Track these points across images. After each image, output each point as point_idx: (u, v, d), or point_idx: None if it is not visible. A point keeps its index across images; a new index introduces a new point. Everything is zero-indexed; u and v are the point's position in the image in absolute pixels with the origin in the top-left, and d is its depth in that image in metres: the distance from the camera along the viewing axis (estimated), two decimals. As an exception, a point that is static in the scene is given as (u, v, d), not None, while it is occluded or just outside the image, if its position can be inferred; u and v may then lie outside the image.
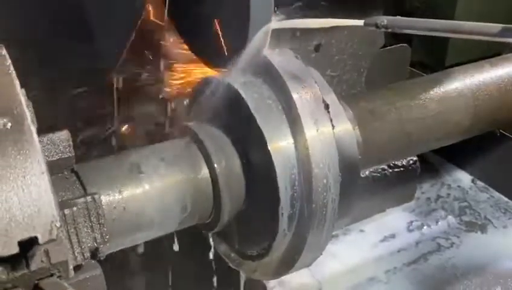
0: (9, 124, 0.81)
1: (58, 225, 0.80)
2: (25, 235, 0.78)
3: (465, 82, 1.64)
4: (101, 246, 1.00)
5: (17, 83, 0.84)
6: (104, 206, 1.05)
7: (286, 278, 1.50)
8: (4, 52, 0.86)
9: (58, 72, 1.61)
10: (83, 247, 0.93)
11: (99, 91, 1.73)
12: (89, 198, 1.00)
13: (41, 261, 0.82)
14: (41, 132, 0.98)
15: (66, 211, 0.91)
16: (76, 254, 0.92)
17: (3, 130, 0.80)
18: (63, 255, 0.83)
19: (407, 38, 2.17)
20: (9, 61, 0.85)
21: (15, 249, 0.78)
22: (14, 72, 0.85)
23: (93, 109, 1.74)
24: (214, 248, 1.54)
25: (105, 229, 1.01)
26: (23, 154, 0.80)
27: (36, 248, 0.80)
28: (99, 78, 1.71)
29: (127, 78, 1.73)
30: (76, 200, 0.99)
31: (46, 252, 0.81)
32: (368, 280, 2.00)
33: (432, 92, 1.58)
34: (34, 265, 0.81)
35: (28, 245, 0.79)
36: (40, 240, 0.79)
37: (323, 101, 1.24)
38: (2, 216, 0.77)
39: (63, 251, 0.83)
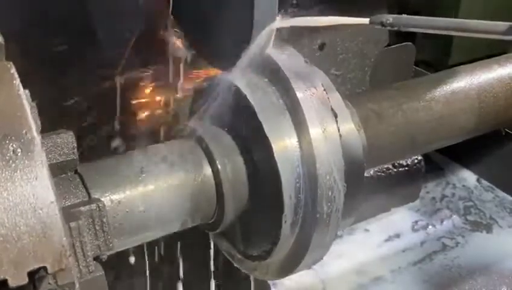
0: (19, 150, 0.79)
1: (67, 254, 0.79)
2: (35, 266, 0.77)
3: (471, 83, 1.64)
4: (105, 253, 0.99)
5: (26, 104, 0.82)
6: (107, 209, 1.04)
7: (290, 277, 1.49)
8: (13, 70, 0.84)
9: (58, 72, 1.61)
10: (88, 260, 0.92)
11: (101, 92, 1.73)
12: (93, 206, 0.98)
13: (49, 283, 0.82)
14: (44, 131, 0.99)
15: (72, 225, 0.90)
16: (81, 268, 0.91)
17: (13, 156, 0.78)
18: (70, 278, 0.83)
19: (411, 37, 2.16)
20: (18, 81, 0.83)
21: (25, 280, 0.77)
22: (23, 92, 0.83)
23: (93, 109, 1.73)
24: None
25: (109, 236, 1.00)
26: (32, 181, 0.78)
27: (44, 274, 0.79)
28: (101, 79, 1.70)
29: (130, 78, 1.72)
30: (81, 209, 0.97)
31: (54, 276, 0.81)
32: (373, 279, 1.99)
33: (437, 94, 1.57)
34: (41, 288, 0.81)
35: (36, 271, 0.79)
36: (49, 270, 0.78)
37: (329, 101, 1.23)
38: (12, 246, 0.76)
39: (70, 275, 0.82)
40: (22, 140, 0.79)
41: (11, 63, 0.84)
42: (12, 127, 0.80)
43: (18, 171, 0.78)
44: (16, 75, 0.83)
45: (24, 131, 0.80)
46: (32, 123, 0.81)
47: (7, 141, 0.79)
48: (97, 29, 1.59)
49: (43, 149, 0.81)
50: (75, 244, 0.89)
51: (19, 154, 0.79)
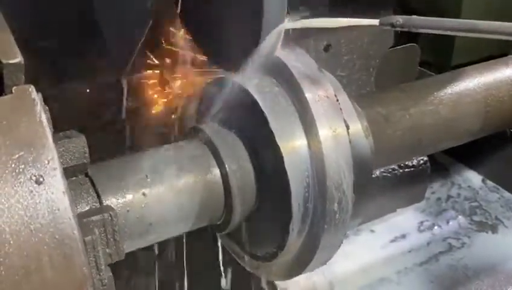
0: (41, 179, 0.79)
1: (88, 283, 0.80)
2: None
3: (478, 86, 1.65)
4: (116, 260, 0.99)
5: (48, 131, 0.81)
6: (117, 212, 1.04)
7: (297, 278, 1.49)
8: (34, 95, 0.83)
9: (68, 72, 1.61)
10: (101, 274, 0.91)
11: (109, 91, 1.73)
12: (105, 215, 0.98)
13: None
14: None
15: (87, 239, 0.89)
16: (95, 282, 0.90)
17: (36, 186, 0.78)
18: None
19: (415, 38, 2.16)
20: (39, 106, 0.82)
21: None
22: (44, 118, 0.82)
23: (102, 109, 1.73)
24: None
25: (120, 245, 0.99)
26: (56, 211, 0.79)
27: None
28: (110, 79, 1.70)
29: (138, 78, 1.73)
30: (93, 219, 0.97)
31: None
32: (379, 280, 1.98)
33: (444, 97, 1.58)
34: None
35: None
36: None
37: (337, 101, 1.23)
38: (35, 277, 0.77)
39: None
40: (45, 169, 0.79)
41: (31, 86, 0.83)
42: (35, 157, 0.79)
43: (40, 202, 0.78)
44: (37, 100, 0.82)
45: (46, 161, 0.80)
46: (55, 151, 0.81)
47: (29, 170, 0.79)
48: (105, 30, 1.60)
49: (64, 178, 0.81)
50: (89, 258, 0.89)
51: (41, 184, 0.78)
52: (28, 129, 0.80)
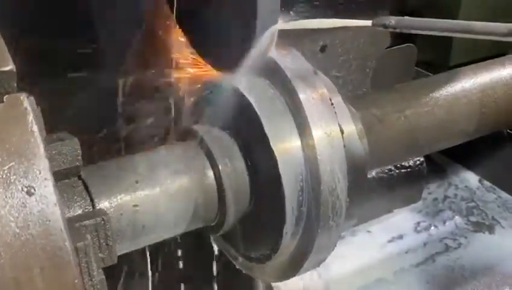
0: (33, 191, 0.78)
1: None
2: None
3: (473, 87, 1.65)
4: (108, 264, 0.99)
5: (40, 141, 0.80)
6: (110, 215, 1.04)
7: (292, 279, 1.48)
8: (26, 103, 0.81)
9: (61, 74, 1.61)
10: (93, 280, 0.91)
11: (103, 92, 1.72)
12: (98, 219, 0.98)
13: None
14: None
15: (79, 245, 0.88)
16: (87, 288, 0.90)
17: (27, 197, 0.78)
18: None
19: (412, 38, 2.16)
20: (31, 116, 0.81)
21: None
22: (36, 128, 0.81)
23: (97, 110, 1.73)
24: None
25: (113, 249, 0.99)
26: (46, 221, 0.78)
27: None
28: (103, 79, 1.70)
29: (132, 79, 1.72)
30: (85, 223, 0.97)
31: None
32: (376, 281, 1.99)
33: (440, 99, 1.58)
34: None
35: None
36: None
37: (332, 103, 1.23)
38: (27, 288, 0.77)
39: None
40: (36, 180, 0.79)
41: (23, 94, 0.82)
42: (27, 167, 0.79)
43: (32, 213, 0.78)
44: (29, 109, 0.81)
45: (39, 171, 0.79)
46: (46, 162, 0.80)
47: (21, 181, 0.78)
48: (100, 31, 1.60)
49: (56, 188, 0.80)
50: (81, 264, 0.88)
51: (33, 195, 0.78)
52: (20, 139, 0.79)
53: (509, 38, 1.09)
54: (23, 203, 0.77)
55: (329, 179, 1.17)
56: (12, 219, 0.76)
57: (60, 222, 0.78)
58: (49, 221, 0.78)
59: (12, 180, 0.77)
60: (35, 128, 0.80)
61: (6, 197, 0.77)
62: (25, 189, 0.77)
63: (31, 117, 0.81)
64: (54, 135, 1.05)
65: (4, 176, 0.77)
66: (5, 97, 0.81)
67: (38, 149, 0.79)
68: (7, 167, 0.77)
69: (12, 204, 0.77)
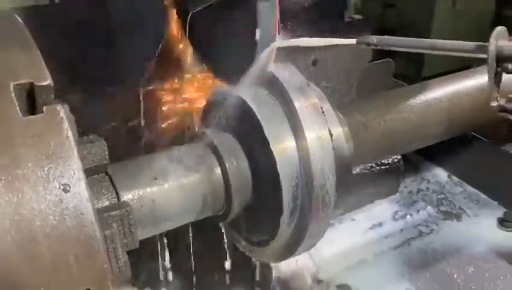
0: (68, 187, 0.79)
1: (109, 277, 0.80)
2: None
3: (442, 97, 1.67)
4: (131, 248, 0.99)
5: (74, 146, 0.80)
6: (133, 206, 1.04)
7: (288, 260, 1.49)
8: (62, 113, 0.82)
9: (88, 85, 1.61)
10: (119, 262, 0.91)
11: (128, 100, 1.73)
12: (123, 211, 0.98)
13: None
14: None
15: (107, 233, 0.89)
16: (114, 269, 0.90)
17: (64, 194, 0.78)
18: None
19: (391, 54, 2.16)
20: (66, 124, 0.81)
21: None
22: (71, 135, 0.81)
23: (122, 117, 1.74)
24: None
25: (135, 235, 1.00)
26: (80, 215, 0.78)
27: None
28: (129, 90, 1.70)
29: (152, 90, 1.73)
30: (112, 213, 0.97)
31: None
32: (359, 261, 1.99)
33: (414, 106, 1.60)
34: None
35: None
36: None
37: (322, 110, 1.23)
38: (62, 273, 0.78)
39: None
40: (71, 179, 0.79)
41: (60, 105, 0.83)
42: (63, 168, 0.79)
43: (67, 208, 0.78)
44: (65, 118, 0.82)
45: (72, 171, 0.79)
46: (79, 163, 0.80)
47: (58, 180, 0.79)
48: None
49: (88, 186, 0.81)
50: (108, 249, 0.88)
51: (68, 192, 0.78)
52: (57, 143, 0.79)
53: (473, 54, 1.09)
54: (60, 199, 0.77)
55: (320, 176, 1.18)
56: (51, 212, 0.76)
57: (92, 215, 0.79)
58: (83, 214, 0.78)
59: (51, 180, 0.78)
60: (70, 134, 0.81)
61: (45, 193, 0.77)
62: (62, 187, 0.78)
63: (66, 125, 0.81)
64: (85, 137, 1.06)
65: (44, 176, 0.77)
66: (44, 108, 0.81)
67: (72, 152, 0.80)
68: (46, 167, 0.78)
69: (50, 200, 0.77)
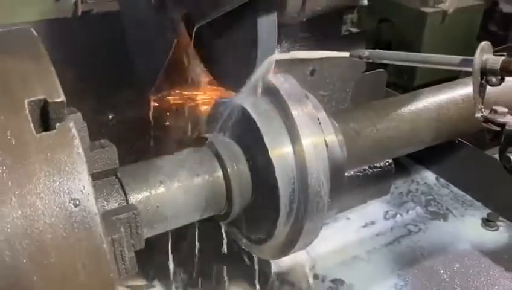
0: (78, 202, 0.77)
1: (115, 282, 0.79)
2: None
3: (431, 106, 1.64)
4: (137, 249, 0.98)
5: (84, 162, 0.79)
6: (140, 207, 1.03)
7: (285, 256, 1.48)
8: (74, 131, 0.80)
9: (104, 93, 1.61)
10: (126, 263, 0.90)
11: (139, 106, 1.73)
12: (130, 213, 0.97)
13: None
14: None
15: (115, 237, 0.88)
16: (120, 270, 0.89)
17: (73, 208, 0.77)
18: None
19: (384, 65, 2.14)
20: (78, 140, 0.79)
21: None
22: (82, 151, 0.80)
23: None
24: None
25: (141, 236, 0.98)
26: (88, 228, 0.77)
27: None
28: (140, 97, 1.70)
29: (162, 97, 1.72)
30: (120, 217, 0.96)
31: None
32: (352, 258, 1.97)
33: (405, 115, 1.58)
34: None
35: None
36: None
37: (317, 118, 1.21)
38: (72, 283, 0.77)
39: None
40: (81, 194, 0.78)
41: (72, 123, 0.81)
42: (73, 184, 0.78)
43: (77, 221, 0.77)
44: (76, 135, 0.80)
45: (82, 187, 0.78)
46: (89, 178, 0.79)
47: (68, 195, 0.77)
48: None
49: (96, 200, 0.80)
50: (115, 252, 0.87)
51: (77, 206, 0.77)
52: (68, 160, 0.78)
53: (459, 68, 1.08)
54: (70, 213, 0.77)
55: (315, 183, 1.17)
56: (61, 225, 0.76)
57: (100, 228, 0.78)
58: (91, 227, 0.77)
59: (62, 195, 0.77)
60: (80, 150, 0.79)
61: (56, 207, 0.76)
62: (72, 201, 0.77)
63: (77, 141, 0.79)
64: (96, 142, 1.04)
65: (55, 190, 0.76)
66: (57, 125, 0.80)
67: (82, 168, 0.78)
68: (58, 183, 0.77)
69: (61, 214, 0.76)
